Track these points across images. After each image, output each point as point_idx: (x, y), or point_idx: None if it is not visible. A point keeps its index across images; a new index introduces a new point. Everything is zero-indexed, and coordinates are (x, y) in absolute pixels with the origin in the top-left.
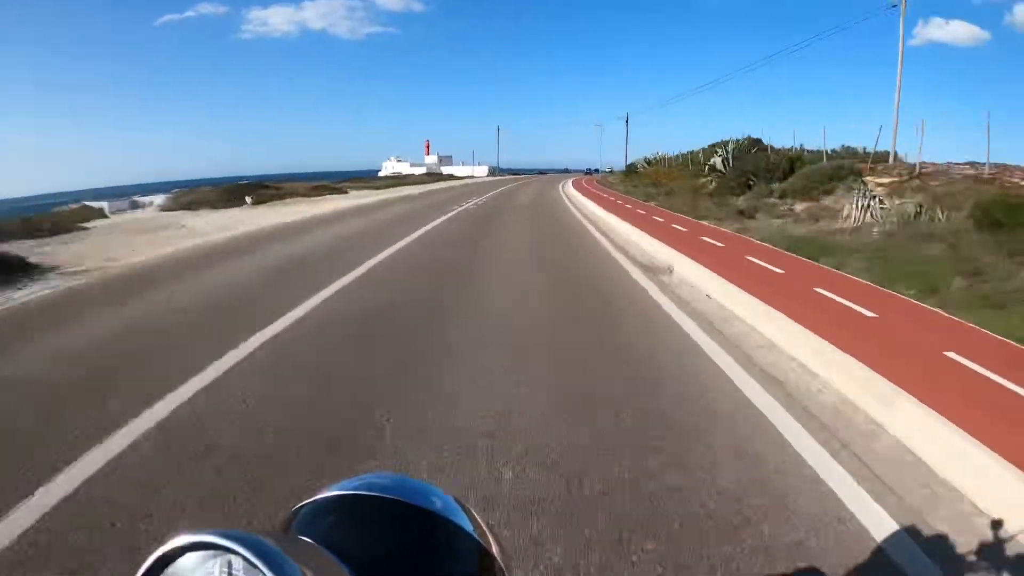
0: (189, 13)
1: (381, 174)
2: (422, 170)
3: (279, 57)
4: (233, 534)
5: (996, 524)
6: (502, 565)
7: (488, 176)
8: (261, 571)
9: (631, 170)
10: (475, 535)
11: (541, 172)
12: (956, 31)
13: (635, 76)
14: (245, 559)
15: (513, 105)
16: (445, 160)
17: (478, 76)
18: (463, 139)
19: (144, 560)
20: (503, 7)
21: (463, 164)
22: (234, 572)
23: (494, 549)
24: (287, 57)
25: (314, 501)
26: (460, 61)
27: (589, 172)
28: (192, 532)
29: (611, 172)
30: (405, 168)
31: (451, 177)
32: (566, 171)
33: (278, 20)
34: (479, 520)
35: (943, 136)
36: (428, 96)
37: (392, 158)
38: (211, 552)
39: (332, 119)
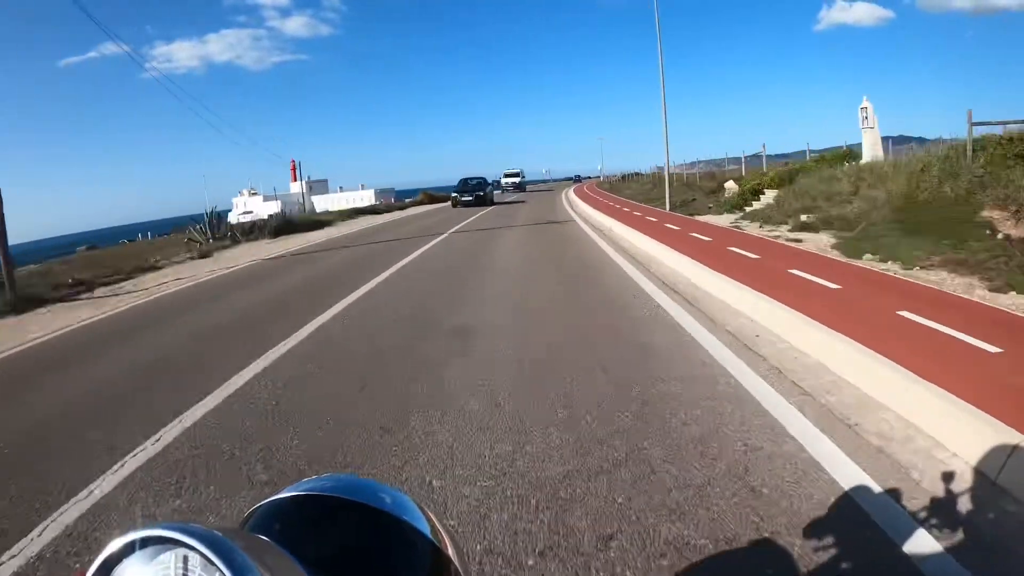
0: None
1: (233, 215)
2: (274, 205)
3: (174, 93)
4: (189, 528)
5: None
6: (456, 563)
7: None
8: (217, 566)
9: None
10: (427, 533)
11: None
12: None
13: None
14: (201, 554)
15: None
16: (319, 186)
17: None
18: (356, 160)
19: (100, 551)
20: (414, 24)
21: (341, 190)
22: (190, 567)
23: (448, 547)
24: (188, 91)
25: (268, 503)
26: (367, 80)
27: (578, 179)
28: (147, 526)
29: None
30: (257, 204)
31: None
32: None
33: (183, 55)
34: (433, 518)
35: None
36: (321, 118)
37: (245, 190)
38: (166, 546)
39: (201, 157)
